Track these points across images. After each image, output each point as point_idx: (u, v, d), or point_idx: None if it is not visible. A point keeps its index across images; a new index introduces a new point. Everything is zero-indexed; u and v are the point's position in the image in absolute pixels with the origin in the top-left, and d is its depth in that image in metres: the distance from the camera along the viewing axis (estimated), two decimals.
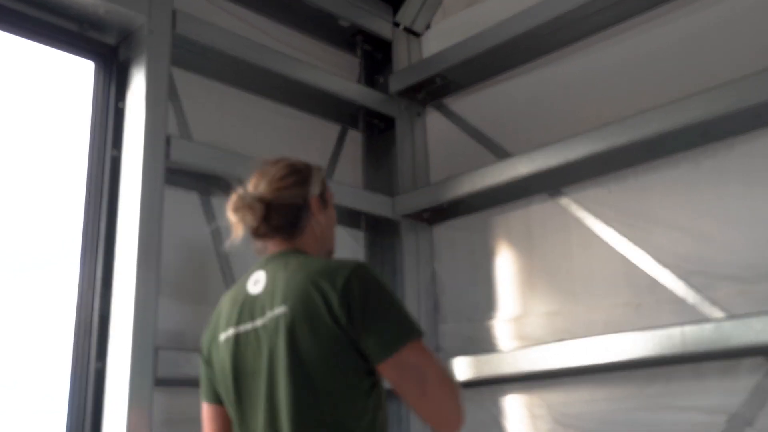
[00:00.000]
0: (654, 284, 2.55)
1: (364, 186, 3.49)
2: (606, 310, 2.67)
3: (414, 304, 3.20)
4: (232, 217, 1.85)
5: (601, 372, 2.61)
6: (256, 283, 1.84)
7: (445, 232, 3.33)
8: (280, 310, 1.71)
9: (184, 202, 2.76)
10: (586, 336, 2.48)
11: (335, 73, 3.34)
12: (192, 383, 2.55)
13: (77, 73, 2.64)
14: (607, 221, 2.74)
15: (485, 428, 2.94)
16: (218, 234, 2.83)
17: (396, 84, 3.47)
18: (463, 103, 3.44)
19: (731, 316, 2.21)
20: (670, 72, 2.68)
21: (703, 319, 2.36)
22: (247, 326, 1.77)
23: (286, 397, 1.64)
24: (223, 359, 1.79)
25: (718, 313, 2.37)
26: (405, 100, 3.52)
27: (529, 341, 2.85)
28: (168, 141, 2.49)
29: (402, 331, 1.64)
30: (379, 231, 3.43)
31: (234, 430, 1.77)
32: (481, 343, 2.98)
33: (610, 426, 2.58)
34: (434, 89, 3.47)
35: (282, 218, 1.87)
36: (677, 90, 2.47)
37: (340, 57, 3.61)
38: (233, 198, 1.85)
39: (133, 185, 2.42)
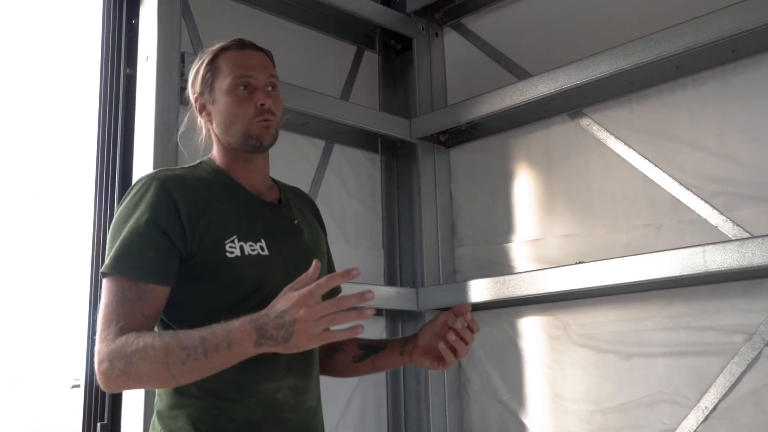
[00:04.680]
0: (676, 205, 2.52)
1: (380, 108, 3.44)
2: (626, 232, 2.65)
3: (431, 227, 3.19)
4: None
5: (619, 293, 2.60)
6: None
7: (462, 155, 3.29)
8: None
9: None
10: (605, 258, 2.46)
11: None
12: None
13: None
14: (629, 142, 2.69)
15: (502, 349, 2.96)
16: None
17: (413, 3, 3.37)
18: (481, 23, 3.34)
19: (754, 236, 2.18)
20: None
21: (726, 239, 2.33)
22: None
23: None
24: None
25: (740, 234, 2.35)
26: (422, 20, 3.44)
27: (548, 264, 2.84)
28: (182, 58, 2.44)
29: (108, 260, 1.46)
30: (396, 154, 3.39)
31: None
32: (499, 266, 2.98)
33: (626, 346, 2.59)
34: (452, 8, 3.38)
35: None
36: (705, 5, 2.38)
37: None
38: None
39: (148, 104, 2.38)
